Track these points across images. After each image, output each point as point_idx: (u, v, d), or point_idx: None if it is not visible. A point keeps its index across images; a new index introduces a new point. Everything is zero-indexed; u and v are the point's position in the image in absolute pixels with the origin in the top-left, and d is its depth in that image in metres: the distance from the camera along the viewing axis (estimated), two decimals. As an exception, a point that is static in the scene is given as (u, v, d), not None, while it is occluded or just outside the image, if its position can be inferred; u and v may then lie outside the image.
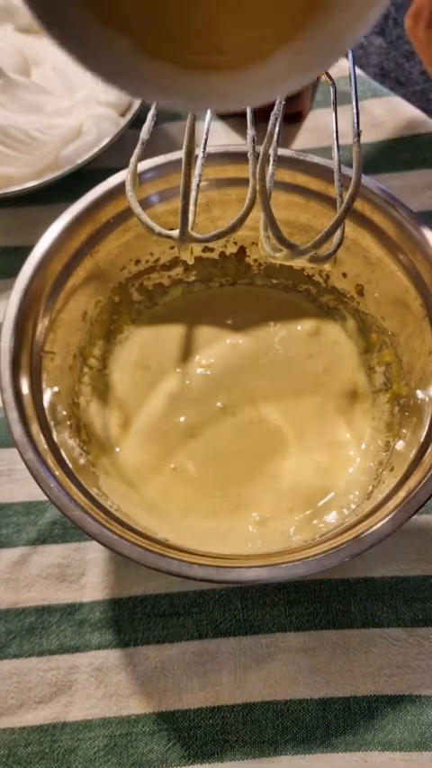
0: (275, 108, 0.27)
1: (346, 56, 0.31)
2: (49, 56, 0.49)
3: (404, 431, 0.35)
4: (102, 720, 0.34)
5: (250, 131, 0.29)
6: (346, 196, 0.27)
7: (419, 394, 0.35)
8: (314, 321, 0.42)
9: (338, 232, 0.27)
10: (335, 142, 0.30)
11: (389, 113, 0.51)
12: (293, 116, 0.51)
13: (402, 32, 0.57)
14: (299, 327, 0.41)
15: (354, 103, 0.28)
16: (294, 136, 0.51)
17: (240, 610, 0.36)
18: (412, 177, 0.48)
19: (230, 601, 0.36)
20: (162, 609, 0.36)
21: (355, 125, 0.27)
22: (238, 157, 0.36)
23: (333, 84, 0.32)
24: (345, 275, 0.39)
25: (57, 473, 0.30)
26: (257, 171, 0.27)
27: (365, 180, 0.34)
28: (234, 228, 0.28)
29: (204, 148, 0.31)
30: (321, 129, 0.51)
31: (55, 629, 0.36)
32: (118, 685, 0.35)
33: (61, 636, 0.36)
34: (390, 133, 0.50)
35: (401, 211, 0.34)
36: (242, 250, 0.42)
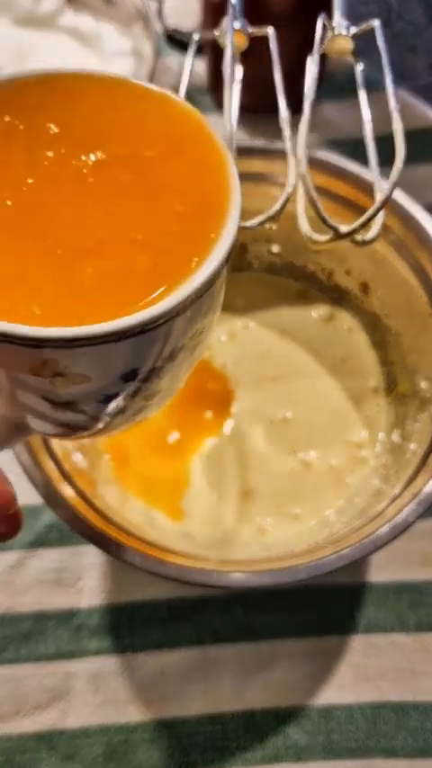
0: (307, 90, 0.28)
1: (374, 33, 0.31)
2: (46, 48, 0.49)
3: (409, 431, 0.34)
4: (100, 727, 0.34)
5: (284, 113, 0.30)
6: (391, 175, 0.27)
7: (425, 393, 0.34)
8: (328, 306, 0.41)
9: (381, 213, 0.28)
10: (368, 124, 0.30)
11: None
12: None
13: (406, 26, 0.56)
14: (313, 314, 0.41)
15: (387, 82, 0.29)
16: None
17: (241, 615, 0.36)
18: (418, 172, 0.47)
19: (231, 606, 0.36)
20: (161, 614, 0.36)
21: (393, 102, 0.28)
22: (245, 153, 0.35)
23: (358, 63, 0.32)
24: (348, 272, 0.39)
25: (54, 476, 0.30)
26: (297, 151, 0.28)
27: (369, 176, 0.34)
28: (277, 214, 0.29)
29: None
30: (328, 122, 0.50)
31: (52, 635, 0.36)
32: (116, 692, 0.34)
33: (58, 641, 0.35)
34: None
35: (407, 207, 0.34)
36: (243, 247, 0.41)
